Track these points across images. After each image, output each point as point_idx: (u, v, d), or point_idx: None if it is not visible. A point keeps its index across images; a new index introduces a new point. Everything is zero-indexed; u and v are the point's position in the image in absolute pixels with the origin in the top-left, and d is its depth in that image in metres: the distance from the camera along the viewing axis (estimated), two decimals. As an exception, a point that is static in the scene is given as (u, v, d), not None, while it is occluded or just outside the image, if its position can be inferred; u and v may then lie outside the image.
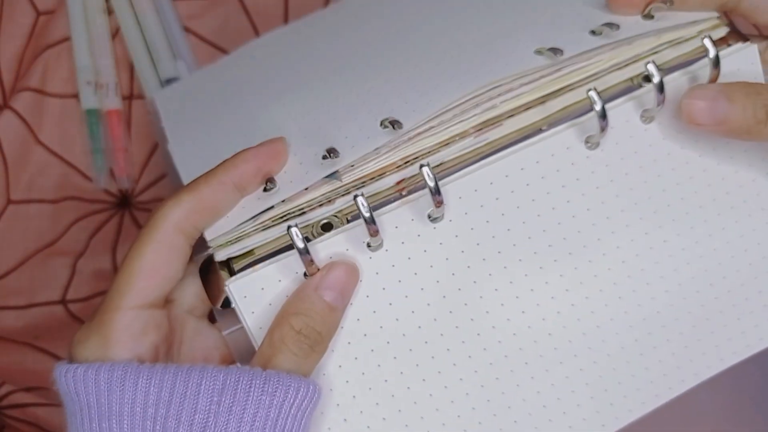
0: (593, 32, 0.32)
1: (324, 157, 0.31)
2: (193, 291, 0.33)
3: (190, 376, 0.28)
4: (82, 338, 0.30)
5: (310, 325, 0.29)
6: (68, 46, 0.48)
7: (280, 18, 0.50)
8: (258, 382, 0.28)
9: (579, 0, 0.34)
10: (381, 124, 0.31)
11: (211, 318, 0.34)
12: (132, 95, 0.48)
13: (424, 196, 0.31)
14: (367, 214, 0.29)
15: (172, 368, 0.28)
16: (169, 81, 0.47)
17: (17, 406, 0.42)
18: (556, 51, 0.31)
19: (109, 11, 0.49)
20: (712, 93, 0.30)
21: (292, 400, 0.28)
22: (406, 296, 0.31)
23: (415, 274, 0.31)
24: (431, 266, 0.31)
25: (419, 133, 0.31)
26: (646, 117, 0.32)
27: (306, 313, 0.29)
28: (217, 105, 0.37)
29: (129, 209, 0.47)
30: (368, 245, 0.31)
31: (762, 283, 0.34)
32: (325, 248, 0.31)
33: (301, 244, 0.29)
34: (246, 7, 0.49)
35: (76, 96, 0.48)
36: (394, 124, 0.31)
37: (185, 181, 0.32)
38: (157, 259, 0.30)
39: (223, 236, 0.31)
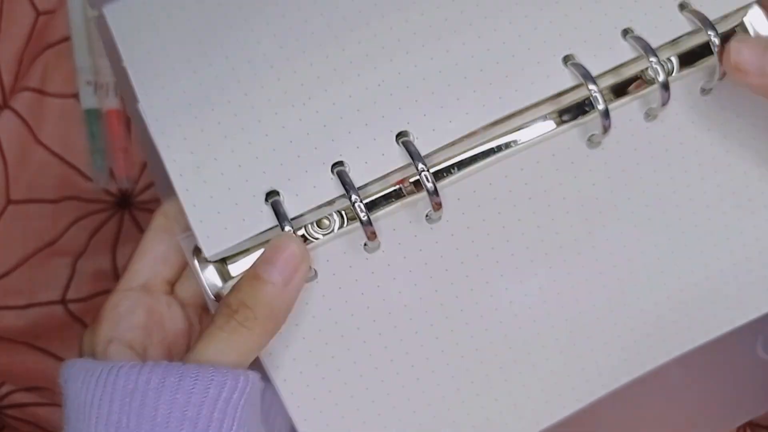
0: (624, 33, 0.31)
1: (333, 168, 0.29)
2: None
3: (108, 377, 0.26)
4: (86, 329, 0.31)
5: (240, 297, 0.27)
6: (68, 46, 0.48)
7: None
8: (172, 379, 0.26)
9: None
10: (396, 140, 0.30)
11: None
12: (132, 95, 0.49)
13: (423, 199, 0.31)
14: (364, 218, 0.29)
15: (99, 366, 0.27)
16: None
17: (17, 406, 0.42)
18: (579, 67, 0.30)
19: (109, 11, 0.49)
20: (763, 44, 0.30)
21: (216, 396, 0.26)
22: (400, 292, 0.31)
23: (410, 271, 0.31)
24: (426, 263, 0.31)
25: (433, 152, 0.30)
26: (651, 115, 0.32)
27: (236, 288, 0.28)
28: (195, 36, 0.32)
29: (129, 209, 0.47)
30: (365, 246, 0.31)
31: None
32: (324, 252, 0.31)
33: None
34: (246, 8, 0.49)
35: (76, 96, 0.48)
36: (409, 144, 0.29)
37: (166, 160, 0.30)
38: (146, 244, 0.31)
39: (223, 252, 0.30)
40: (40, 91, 0.47)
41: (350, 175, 0.29)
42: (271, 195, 0.29)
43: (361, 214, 0.29)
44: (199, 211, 0.29)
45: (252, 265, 0.28)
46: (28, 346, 0.45)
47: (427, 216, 0.31)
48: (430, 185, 0.29)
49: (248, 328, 0.27)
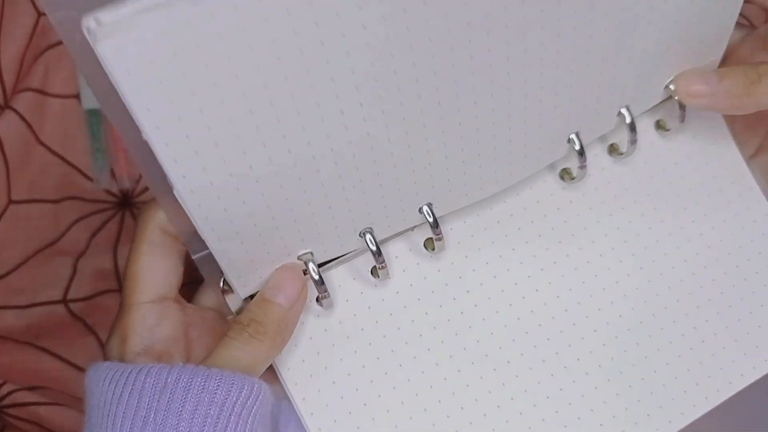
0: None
1: (360, 235, 0.32)
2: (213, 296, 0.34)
3: (138, 376, 0.29)
4: (108, 339, 0.32)
5: (250, 315, 0.31)
6: (69, 47, 0.49)
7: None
8: (199, 379, 0.28)
9: (613, 78, 0.34)
10: (419, 211, 0.33)
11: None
12: (133, 95, 0.49)
13: (424, 229, 0.34)
14: (374, 248, 0.32)
15: (128, 368, 0.29)
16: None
17: (18, 406, 0.42)
18: (579, 149, 0.35)
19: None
20: (706, 71, 0.35)
21: (234, 398, 0.28)
22: (405, 306, 0.34)
23: (414, 291, 0.34)
24: (425, 278, 0.34)
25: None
26: (617, 154, 0.37)
27: (247, 309, 0.31)
28: None
29: (130, 209, 0.47)
30: (372, 273, 0.34)
31: (747, 304, 0.36)
32: (336, 277, 0.34)
33: (317, 277, 0.32)
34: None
35: (77, 96, 0.48)
36: (430, 212, 0.33)
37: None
38: (153, 259, 0.32)
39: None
40: (42, 92, 0.48)
41: (375, 234, 0.33)
42: (305, 254, 0.32)
43: (372, 246, 0.32)
44: (238, 272, 0.31)
45: (261, 290, 0.31)
46: (29, 345, 0.45)
47: (425, 247, 0.35)
48: (431, 220, 0.33)
49: (259, 340, 0.30)
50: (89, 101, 0.47)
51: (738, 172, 0.38)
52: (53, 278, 0.45)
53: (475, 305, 0.34)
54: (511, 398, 0.33)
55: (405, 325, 0.34)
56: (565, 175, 0.36)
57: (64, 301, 0.45)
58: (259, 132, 0.27)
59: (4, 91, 0.49)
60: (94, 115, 0.47)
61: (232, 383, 0.28)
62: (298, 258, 0.32)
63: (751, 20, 0.50)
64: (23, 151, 0.47)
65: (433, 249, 0.34)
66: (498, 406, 0.33)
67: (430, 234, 0.34)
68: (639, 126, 0.36)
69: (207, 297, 0.35)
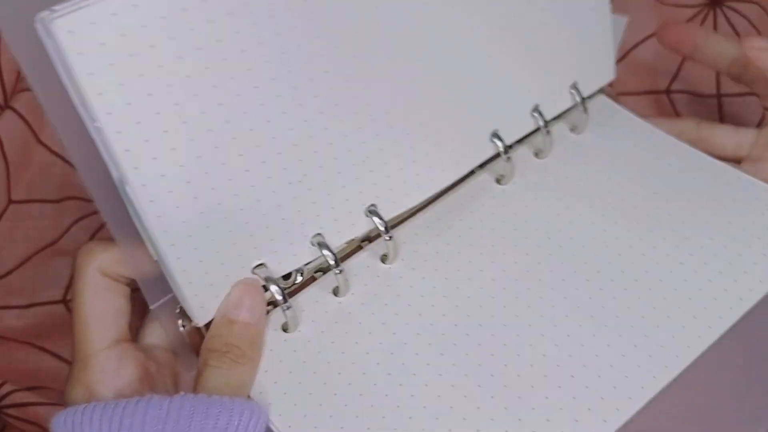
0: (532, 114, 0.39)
1: (312, 243, 0.33)
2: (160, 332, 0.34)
3: (137, 407, 0.28)
4: (69, 389, 0.31)
5: (224, 341, 0.31)
6: (69, 47, 0.49)
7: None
8: (201, 406, 0.28)
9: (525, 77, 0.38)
10: (365, 213, 0.34)
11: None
12: (133, 95, 0.49)
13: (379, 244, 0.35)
14: (338, 270, 0.33)
15: (122, 403, 0.29)
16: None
17: (18, 406, 0.42)
18: (501, 140, 0.37)
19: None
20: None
21: (236, 423, 0.28)
22: (372, 312, 0.34)
23: (378, 297, 0.35)
24: (388, 285, 0.35)
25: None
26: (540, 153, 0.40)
27: (216, 334, 0.31)
28: None
29: (130, 209, 0.47)
30: (334, 291, 0.34)
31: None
32: (302, 301, 0.34)
33: (282, 300, 0.32)
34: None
35: (77, 96, 0.48)
36: (375, 215, 0.34)
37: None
38: (100, 303, 0.31)
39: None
40: (42, 91, 0.48)
41: (326, 241, 0.33)
42: (259, 267, 0.32)
43: (335, 268, 0.33)
44: (193, 287, 0.30)
45: (221, 311, 0.31)
46: (29, 345, 0.45)
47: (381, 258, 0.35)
48: (387, 237, 0.34)
49: (242, 364, 0.31)
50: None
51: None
52: (53, 278, 0.45)
53: (432, 305, 0.34)
54: (491, 375, 0.32)
55: (376, 328, 0.33)
56: (499, 177, 0.39)
57: (65, 301, 0.45)
58: (205, 117, 0.28)
59: (4, 90, 0.48)
60: (94, 115, 0.47)
61: (233, 408, 0.28)
62: (253, 272, 0.32)
63: (751, 20, 0.50)
64: (23, 151, 0.47)
65: (386, 256, 0.35)
66: (479, 385, 0.32)
67: (383, 250, 0.35)
68: (555, 127, 0.40)
69: (152, 334, 0.34)
